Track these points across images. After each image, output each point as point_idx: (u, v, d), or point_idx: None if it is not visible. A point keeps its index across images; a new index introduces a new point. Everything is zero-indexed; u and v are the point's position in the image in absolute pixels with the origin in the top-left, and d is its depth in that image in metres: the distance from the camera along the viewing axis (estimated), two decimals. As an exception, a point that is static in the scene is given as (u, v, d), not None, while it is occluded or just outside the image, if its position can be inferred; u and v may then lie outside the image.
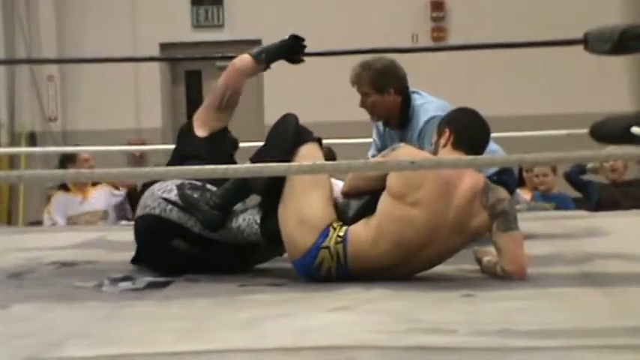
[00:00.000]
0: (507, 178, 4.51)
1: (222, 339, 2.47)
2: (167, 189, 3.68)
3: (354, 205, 3.46)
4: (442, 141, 3.52)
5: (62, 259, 4.17)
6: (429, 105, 4.38)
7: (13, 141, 10.48)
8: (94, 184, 6.86)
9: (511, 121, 8.77)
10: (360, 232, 3.36)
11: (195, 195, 3.58)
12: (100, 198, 6.78)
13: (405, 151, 3.43)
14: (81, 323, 2.77)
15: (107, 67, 9.81)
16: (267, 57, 4.10)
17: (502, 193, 3.39)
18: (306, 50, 4.43)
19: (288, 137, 3.57)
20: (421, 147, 4.08)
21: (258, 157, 3.56)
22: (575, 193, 7.40)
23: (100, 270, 3.80)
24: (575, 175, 7.16)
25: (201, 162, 3.61)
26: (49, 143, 10.25)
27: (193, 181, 3.68)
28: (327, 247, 3.35)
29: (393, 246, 3.32)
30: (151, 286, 3.44)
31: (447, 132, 3.51)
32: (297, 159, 3.50)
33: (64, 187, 6.87)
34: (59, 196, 6.86)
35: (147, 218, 3.69)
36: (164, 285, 3.45)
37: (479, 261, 3.54)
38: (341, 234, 3.35)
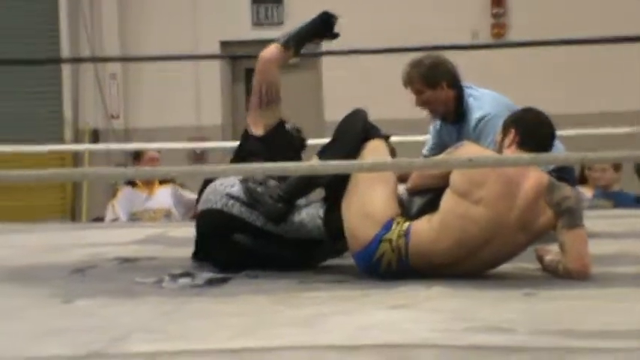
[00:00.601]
0: (566, 175, 4.47)
1: (281, 336, 2.48)
2: (229, 184, 3.71)
3: (418, 201, 3.47)
4: (507, 141, 3.51)
5: (124, 255, 4.23)
6: (482, 100, 4.36)
7: (77, 138, 10.64)
8: (161, 182, 6.90)
9: (572, 118, 8.67)
10: (423, 227, 3.36)
11: (259, 189, 3.60)
12: (166, 196, 6.82)
13: (467, 150, 3.41)
14: (142, 319, 2.81)
15: (168, 65, 9.95)
16: (295, 42, 4.07)
17: (567, 190, 3.37)
18: (367, 47, 4.42)
19: (356, 133, 3.57)
20: (477, 142, 4.06)
21: (326, 151, 3.57)
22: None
23: (161, 266, 3.85)
24: None
25: (260, 160, 3.63)
26: (112, 140, 10.39)
27: (255, 177, 3.70)
28: (389, 240, 3.35)
29: (455, 243, 3.31)
30: (211, 282, 3.47)
31: (513, 132, 3.50)
32: (363, 155, 3.53)
33: (131, 182, 6.93)
34: (125, 191, 6.92)
35: (209, 213, 3.73)
36: (223, 281, 3.48)
37: (540, 259, 3.51)
38: (404, 228, 3.36)
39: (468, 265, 3.37)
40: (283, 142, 3.95)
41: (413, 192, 3.52)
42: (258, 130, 3.96)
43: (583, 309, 2.76)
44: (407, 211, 3.45)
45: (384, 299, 3.01)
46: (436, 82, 4.37)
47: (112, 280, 3.59)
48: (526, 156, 3.15)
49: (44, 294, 3.29)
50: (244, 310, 2.90)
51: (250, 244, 3.64)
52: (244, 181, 3.65)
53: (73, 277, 3.68)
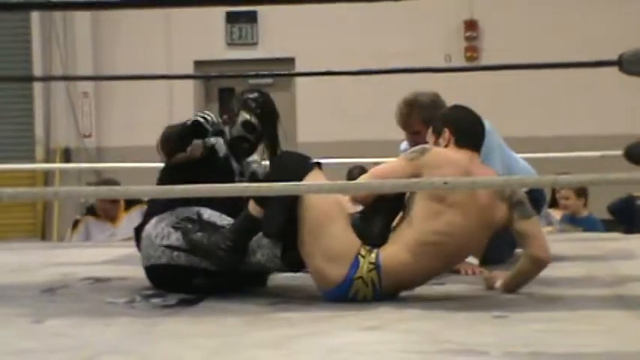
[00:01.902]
0: (537, 195, 4.50)
1: (253, 357, 2.47)
2: (165, 234, 3.63)
3: (375, 225, 3.42)
4: (442, 141, 3.56)
5: (95, 274, 4.19)
6: None
7: (49, 157, 10.58)
8: (127, 208, 6.69)
9: (543, 141, 8.75)
10: (394, 253, 3.34)
11: (205, 240, 3.49)
12: (132, 222, 6.58)
13: (434, 156, 3.43)
14: (114, 339, 2.79)
15: (141, 85, 9.91)
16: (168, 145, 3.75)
17: None
18: (341, 69, 4.37)
19: (292, 175, 3.35)
20: None
21: (267, 200, 3.41)
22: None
23: (132, 286, 3.82)
24: (618, 208, 7.12)
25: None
26: (84, 159, 10.34)
27: (187, 215, 3.63)
28: (361, 277, 3.33)
29: (434, 259, 3.34)
30: (182, 302, 3.45)
31: (447, 132, 3.56)
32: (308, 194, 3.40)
33: (94, 213, 6.71)
34: (88, 223, 6.68)
35: (155, 269, 3.67)
36: (195, 302, 3.46)
37: (492, 285, 3.56)
38: (372, 260, 3.33)
39: (444, 272, 3.48)
40: (208, 169, 3.82)
41: (365, 201, 3.47)
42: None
43: (555, 331, 2.77)
44: (365, 235, 3.38)
45: (356, 320, 3.00)
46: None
47: (83, 300, 3.56)
48: (499, 178, 3.16)
49: (13, 314, 3.26)
50: (216, 331, 2.89)
51: (212, 284, 3.60)
52: (184, 233, 3.56)
53: (43, 297, 3.65)
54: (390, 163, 3.53)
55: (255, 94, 3.87)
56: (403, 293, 3.45)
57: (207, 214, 3.65)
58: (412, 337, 2.68)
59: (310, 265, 3.41)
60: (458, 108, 3.69)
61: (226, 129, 3.85)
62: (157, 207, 3.78)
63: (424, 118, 4.26)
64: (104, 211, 6.66)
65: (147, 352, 2.60)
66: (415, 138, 4.27)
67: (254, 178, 3.98)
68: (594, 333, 2.75)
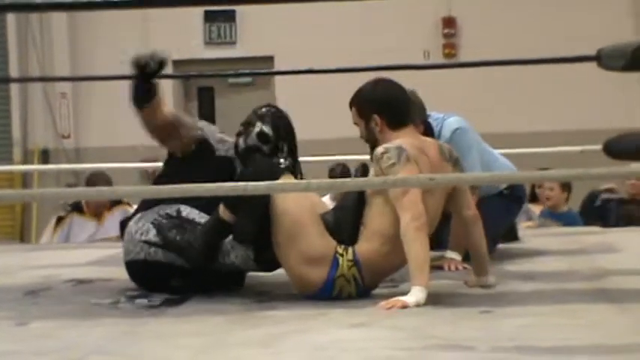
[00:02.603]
0: (518, 192, 4.53)
1: (239, 356, 2.47)
2: (144, 230, 3.64)
3: (345, 221, 3.41)
4: (376, 128, 3.54)
5: (78, 276, 4.18)
6: (447, 121, 4.36)
7: (26, 158, 10.51)
8: (110, 207, 6.68)
9: (523, 137, 8.79)
10: (371, 248, 3.36)
11: (178, 237, 3.53)
12: (116, 222, 6.56)
13: (411, 150, 3.40)
14: (99, 340, 2.78)
15: (120, 85, 9.82)
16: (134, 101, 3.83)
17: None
18: (319, 67, 4.33)
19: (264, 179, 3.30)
20: None
21: (238, 207, 3.42)
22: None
23: (117, 287, 3.82)
24: (585, 209, 7.17)
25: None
26: (62, 160, 10.28)
27: (167, 211, 3.64)
28: (342, 275, 3.35)
29: None
30: (167, 303, 3.45)
31: (376, 117, 3.53)
32: (279, 198, 3.39)
33: (79, 210, 6.70)
34: (73, 220, 6.64)
35: (134, 264, 3.68)
36: (180, 302, 3.46)
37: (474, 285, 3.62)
38: (350, 257, 3.35)
39: None
40: (208, 165, 3.85)
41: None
42: (179, 153, 3.90)
43: (539, 325, 2.78)
44: (339, 235, 3.39)
45: (342, 318, 3.01)
46: (413, 120, 4.28)
47: (67, 301, 3.55)
48: (481, 175, 3.18)
49: (-4, 316, 3.24)
50: (202, 331, 2.88)
51: (188, 284, 3.60)
52: (159, 229, 3.58)
53: (25, 299, 3.63)
54: (402, 179, 3.31)
55: (272, 109, 3.87)
56: (387, 290, 3.47)
57: (187, 211, 3.65)
58: (399, 334, 2.69)
59: (289, 270, 3.43)
60: (374, 88, 3.59)
61: (240, 140, 3.83)
62: (144, 204, 3.79)
63: None
64: (94, 206, 6.61)
65: (134, 353, 2.60)
66: None
67: None
68: (578, 327, 2.77)
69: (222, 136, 4.02)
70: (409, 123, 3.58)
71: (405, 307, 3.10)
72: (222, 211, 3.45)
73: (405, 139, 3.46)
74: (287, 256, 3.39)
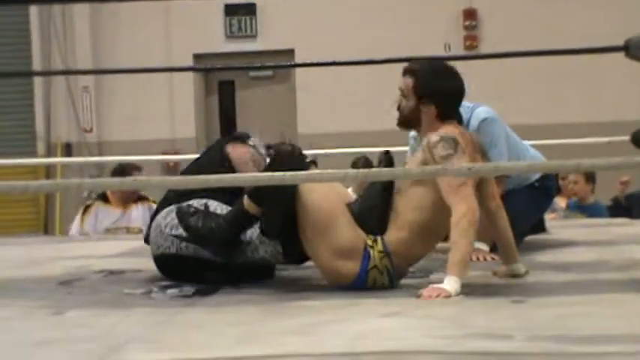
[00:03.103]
0: (549, 183, 4.53)
1: (279, 344, 2.48)
2: (174, 224, 3.64)
3: (373, 210, 3.41)
4: (427, 114, 3.50)
5: (109, 267, 4.21)
6: (478, 110, 4.36)
7: (50, 152, 10.56)
8: (137, 200, 6.75)
9: (546, 129, 8.76)
10: (400, 237, 3.37)
11: (200, 223, 3.52)
12: (140, 214, 6.60)
13: (464, 140, 3.41)
14: (136, 329, 2.80)
15: (141, 78, 9.90)
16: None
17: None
18: (339, 60, 4.31)
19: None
20: None
21: (266, 198, 3.42)
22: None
23: (147, 278, 3.84)
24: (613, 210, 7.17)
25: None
26: (85, 154, 10.34)
27: (195, 205, 3.64)
28: (375, 267, 3.36)
29: (441, 234, 3.41)
30: (199, 293, 3.46)
31: (432, 107, 3.49)
32: (305, 189, 3.39)
33: (104, 199, 6.79)
34: (98, 208, 6.71)
35: (165, 258, 3.70)
36: (212, 292, 3.47)
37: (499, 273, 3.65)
38: (381, 248, 3.35)
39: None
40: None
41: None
42: None
43: (575, 315, 2.78)
44: (366, 225, 3.38)
45: (376, 307, 3.02)
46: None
47: (101, 291, 3.58)
48: (523, 164, 3.18)
49: (33, 306, 3.27)
50: (238, 320, 2.90)
51: (221, 277, 3.62)
52: (180, 218, 3.57)
53: (59, 290, 3.66)
54: (438, 169, 3.31)
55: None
56: (418, 281, 3.48)
57: (214, 206, 3.67)
58: (434, 323, 2.70)
59: (320, 264, 3.43)
60: (445, 75, 3.55)
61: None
62: (170, 199, 3.81)
63: None
64: (119, 196, 6.67)
65: (171, 340, 2.62)
66: None
67: None
68: (614, 317, 2.77)
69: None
70: (456, 117, 3.56)
71: (448, 296, 3.11)
72: (247, 204, 3.45)
73: (451, 130, 3.45)
74: (317, 250, 3.39)
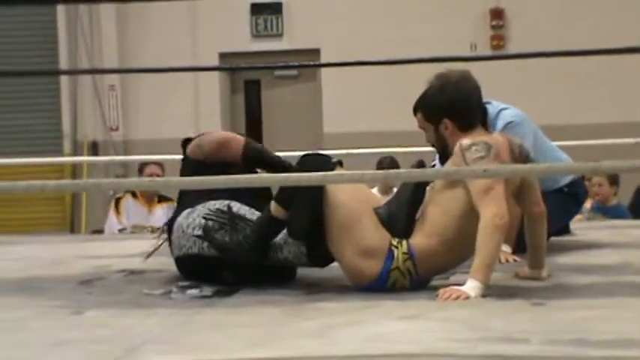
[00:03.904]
0: (578, 190, 4.49)
1: (294, 347, 2.48)
2: (196, 224, 3.65)
3: (400, 214, 3.41)
4: (447, 132, 3.51)
5: (130, 267, 4.22)
6: (505, 112, 4.33)
7: (76, 150, 10.63)
8: (160, 201, 6.80)
9: (571, 129, 8.70)
10: (427, 244, 3.34)
11: (227, 237, 3.53)
12: (163, 215, 6.60)
13: (496, 145, 3.38)
14: (155, 330, 2.81)
15: (167, 77, 9.91)
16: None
17: None
18: (366, 59, 4.29)
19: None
20: None
21: (292, 201, 3.42)
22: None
23: (168, 278, 3.84)
24: (635, 205, 7.11)
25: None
26: (111, 153, 10.39)
27: (217, 206, 3.64)
28: (397, 268, 3.35)
29: (470, 245, 3.31)
30: (219, 293, 3.47)
31: (447, 122, 3.50)
32: (331, 190, 3.39)
33: (132, 194, 6.85)
34: (128, 201, 6.83)
35: (187, 258, 3.69)
36: (231, 293, 3.47)
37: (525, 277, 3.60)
38: (405, 250, 3.34)
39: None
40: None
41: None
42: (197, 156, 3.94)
43: (595, 318, 2.76)
44: (392, 229, 3.38)
45: (393, 310, 3.01)
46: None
47: (120, 291, 3.59)
48: (538, 166, 3.15)
49: (52, 305, 3.29)
50: (255, 322, 2.90)
51: (240, 278, 3.61)
52: (205, 232, 3.58)
53: (80, 289, 3.68)
54: (455, 170, 3.32)
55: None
56: (438, 282, 3.46)
57: (237, 207, 3.66)
58: (452, 326, 2.69)
59: (343, 263, 3.43)
60: (445, 90, 3.53)
61: None
62: (187, 200, 3.82)
63: None
64: (146, 194, 6.77)
65: (189, 342, 2.62)
66: None
67: None
68: (634, 320, 2.74)
69: None
70: (478, 123, 3.54)
71: (467, 298, 3.09)
72: (275, 208, 3.46)
73: (480, 136, 3.44)
74: (342, 248, 3.39)
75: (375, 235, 3.35)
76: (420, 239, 3.36)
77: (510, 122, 4.23)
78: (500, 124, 4.24)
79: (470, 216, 3.29)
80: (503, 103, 4.41)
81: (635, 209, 7.22)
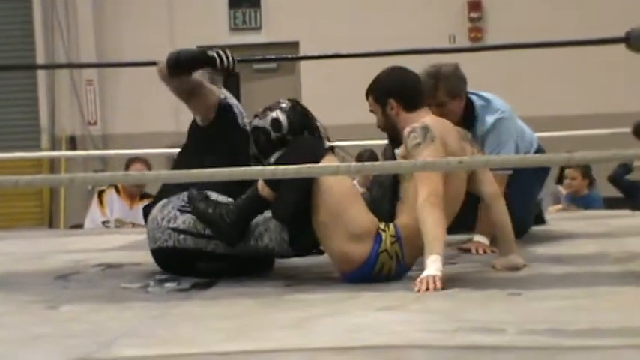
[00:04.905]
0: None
1: (272, 338, 2.48)
2: (171, 217, 3.63)
3: (384, 200, 3.47)
4: (393, 112, 3.62)
5: (107, 260, 4.20)
6: (493, 103, 4.34)
7: (54, 145, 10.57)
8: (142, 198, 6.77)
9: (550, 121, 8.73)
10: (410, 223, 3.37)
11: (210, 209, 3.51)
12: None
13: (439, 129, 3.47)
14: (130, 323, 2.79)
15: (145, 71, 9.83)
16: (175, 63, 3.82)
17: None
18: (345, 52, 4.29)
19: (307, 158, 3.33)
20: (483, 145, 4.08)
21: (281, 185, 3.40)
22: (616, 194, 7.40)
23: (145, 271, 3.83)
24: (620, 177, 7.17)
25: (209, 159, 3.57)
26: (89, 147, 10.34)
27: (194, 193, 3.62)
28: (385, 250, 3.37)
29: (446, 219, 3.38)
30: (196, 286, 3.46)
31: (392, 102, 3.62)
32: (324, 177, 3.40)
33: (115, 189, 6.82)
34: (112, 196, 6.79)
35: (163, 251, 3.67)
36: (209, 285, 3.47)
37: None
38: (392, 233, 3.38)
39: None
40: (231, 137, 3.86)
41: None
42: (202, 121, 3.93)
43: (571, 308, 2.77)
44: (377, 213, 3.43)
45: (373, 301, 3.01)
46: (457, 93, 4.28)
47: (97, 285, 3.57)
48: (513, 157, 3.17)
49: (27, 300, 3.27)
50: (233, 313, 2.89)
51: (216, 268, 3.61)
52: (190, 200, 3.57)
53: (56, 284, 3.65)
54: (432, 162, 3.32)
55: (297, 106, 3.80)
56: (415, 273, 3.46)
57: (214, 196, 3.65)
58: (430, 317, 2.69)
59: (332, 248, 3.43)
60: (389, 74, 3.71)
61: (255, 120, 3.81)
62: (168, 189, 3.79)
63: (449, 88, 4.26)
64: (128, 189, 6.75)
65: (165, 335, 2.61)
66: (440, 110, 4.11)
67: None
68: (610, 309, 2.75)
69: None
70: (423, 105, 3.66)
71: (440, 285, 3.10)
72: (262, 187, 3.44)
73: (423, 117, 3.55)
74: (331, 233, 3.39)
75: (364, 219, 3.39)
76: (404, 220, 3.40)
77: (500, 119, 4.25)
78: (489, 118, 4.26)
79: (445, 195, 3.35)
80: (488, 93, 4.43)
81: (616, 180, 7.30)
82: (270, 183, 3.41)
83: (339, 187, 3.39)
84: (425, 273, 3.17)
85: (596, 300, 2.91)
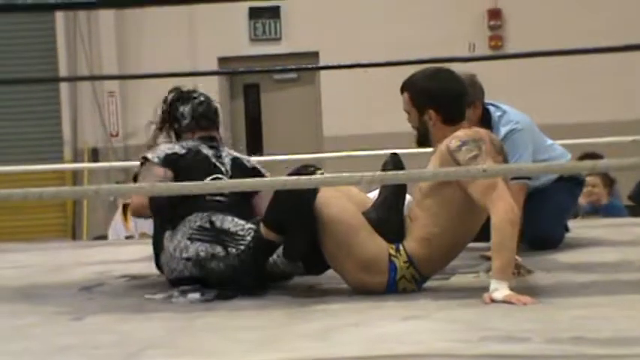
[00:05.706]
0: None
1: (297, 349, 2.48)
2: (182, 247, 3.63)
3: (391, 217, 3.37)
4: (430, 121, 3.44)
5: (131, 272, 4.22)
6: (509, 114, 4.32)
7: (76, 157, 10.64)
8: None
9: (571, 128, 8.70)
10: (421, 245, 3.33)
11: (221, 264, 3.52)
12: None
13: (486, 140, 3.35)
14: (155, 334, 2.81)
15: (166, 82, 9.88)
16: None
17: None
18: (365, 61, 4.28)
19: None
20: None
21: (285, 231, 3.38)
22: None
23: (169, 283, 3.84)
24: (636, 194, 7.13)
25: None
26: (111, 159, 10.39)
27: (199, 223, 3.62)
28: (403, 277, 3.34)
29: (465, 244, 3.37)
30: (220, 297, 3.46)
31: (431, 112, 3.42)
32: (322, 207, 3.33)
33: None
34: None
35: (180, 281, 3.67)
36: (232, 296, 3.47)
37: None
38: (405, 259, 3.33)
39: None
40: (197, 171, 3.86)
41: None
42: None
43: (595, 317, 2.76)
44: (384, 231, 3.35)
45: (396, 310, 3.01)
46: (472, 101, 4.12)
47: (121, 297, 3.59)
48: (540, 165, 3.15)
49: (53, 312, 3.29)
50: (257, 324, 2.90)
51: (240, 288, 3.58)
52: (200, 266, 3.57)
53: (81, 295, 3.67)
54: (451, 171, 3.23)
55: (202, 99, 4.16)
56: (438, 282, 3.47)
57: (219, 220, 3.64)
58: (454, 326, 2.69)
59: (348, 279, 3.41)
60: (435, 77, 3.48)
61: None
62: (159, 208, 3.76)
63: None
64: None
65: (190, 346, 2.62)
66: None
67: (257, 173, 4.00)
68: (635, 318, 2.74)
69: (168, 146, 4.09)
70: (464, 118, 3.49)
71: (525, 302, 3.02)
72: (266, 232, 3.42)
73: (465, 131, 3.38)
74: (343, 264, 3.37)
75: (373, 247, 3.32)
76: (414, 245, 3.34)
77: (513, 130, 4.23)
78: (503, 129, 4.24)
79: (462, 217, 3.31)
80: (507, 106, 4.41)
81: (636, 198, 7.26)
82: (273, 227, 3.40)
83: (341, 217, 3.33)
84: (508, 293, 3.05)
85: (619, 309, 2.90)
